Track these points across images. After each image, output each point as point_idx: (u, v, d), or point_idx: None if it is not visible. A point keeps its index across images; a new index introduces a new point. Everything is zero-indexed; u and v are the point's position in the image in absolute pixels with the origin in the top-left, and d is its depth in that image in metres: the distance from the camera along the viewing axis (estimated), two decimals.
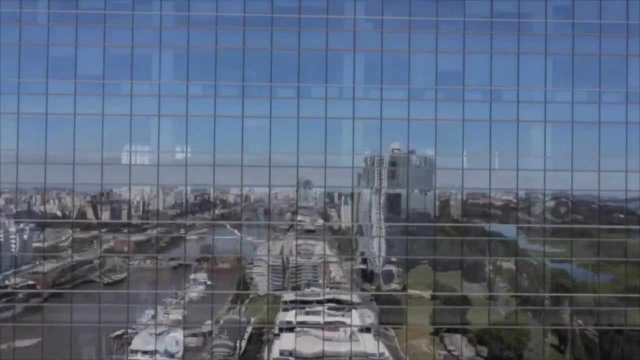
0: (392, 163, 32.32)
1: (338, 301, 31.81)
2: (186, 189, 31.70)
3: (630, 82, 30.93)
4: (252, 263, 32.98)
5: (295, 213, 31.85)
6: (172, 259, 32.64)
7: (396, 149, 32.12)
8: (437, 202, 31.74)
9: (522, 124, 31.14)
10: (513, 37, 30.79)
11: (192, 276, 32.71)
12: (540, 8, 30.96)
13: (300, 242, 31.48)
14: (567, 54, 30.80)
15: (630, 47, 30.78)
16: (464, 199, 31.94)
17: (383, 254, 32.11)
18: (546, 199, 31.74)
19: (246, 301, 32.48)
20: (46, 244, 31.41)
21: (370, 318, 31.89)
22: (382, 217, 32.27)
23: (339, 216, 33.40)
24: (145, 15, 30.83)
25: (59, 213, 32.28)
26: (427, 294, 31.62)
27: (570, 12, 30.97)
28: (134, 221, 32.00)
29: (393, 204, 32.50)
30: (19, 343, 30.74)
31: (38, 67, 30.66)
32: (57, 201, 32.67)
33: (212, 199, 32.41)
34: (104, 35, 30.56)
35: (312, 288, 32.10)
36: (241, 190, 31.80)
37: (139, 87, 30.91)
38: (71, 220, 31.50)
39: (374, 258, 32.30)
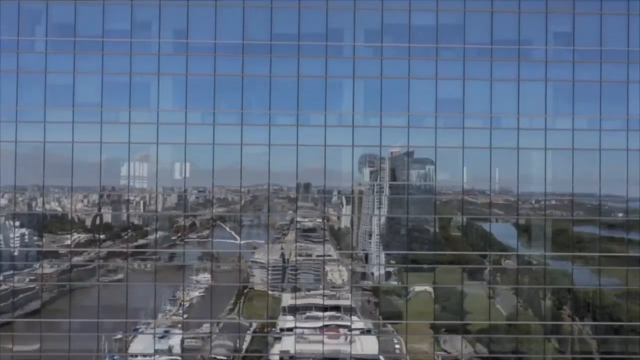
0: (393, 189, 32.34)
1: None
2: (185, 218, 31.64)
3: (631, 109, 30.78)
4: (251, 266, 33.01)
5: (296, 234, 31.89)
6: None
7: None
8: (437, 230, 31.71)
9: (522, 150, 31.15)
10: (513, 64, 30.64)
11: (194, 278, 32.67)
12: (541, 34, 30.83)
13: None
14: (567, 80, 30.64)
15: (631, 74, 30.67)
16: (464, 224, 31.88)
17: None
18: (547, 225, 31.63)
19: (245, 302, 32.47)
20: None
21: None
22: (381, 241, 32.29)
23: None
24: (144, 42, 30.78)
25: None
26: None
27: (571, 39, 30.86)
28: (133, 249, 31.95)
29: (392, 228, 32.46)
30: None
31: (36, 94, 30.64)
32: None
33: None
34: (102, 63, 30.49)
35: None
36: (240, 218, 31.71)
37: (137, 114, 30.88)
38: (70, 249, 31.46)
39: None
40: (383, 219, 32.39)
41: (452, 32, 30.89)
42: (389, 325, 31.96)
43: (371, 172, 32.59)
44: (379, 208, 32.11)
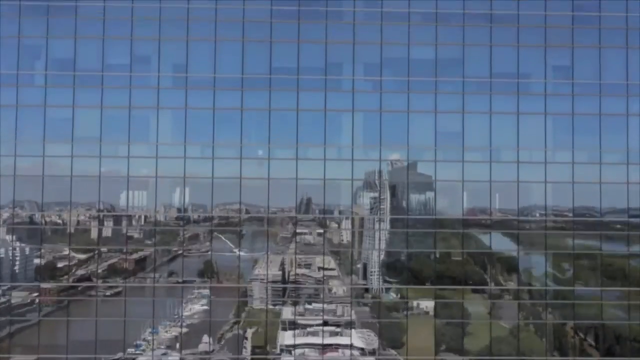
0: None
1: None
2: (183, 254, 31.48)
3: (631, 142, 30.71)
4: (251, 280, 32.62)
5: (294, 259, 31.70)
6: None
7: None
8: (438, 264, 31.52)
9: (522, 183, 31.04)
10: (512, 97, 30.68)
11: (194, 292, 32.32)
12: (540, 68, 30.88)
13: None
14: (566, 114, 30.64)
15: (631, 107, 30.68)
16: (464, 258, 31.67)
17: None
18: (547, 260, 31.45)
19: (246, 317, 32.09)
20: None
21: None
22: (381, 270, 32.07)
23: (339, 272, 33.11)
24: (143, 76, 30.84)
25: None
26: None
27: (570, 72, 30.90)
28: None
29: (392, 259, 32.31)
30: None
31: (35, 128, 30.64)
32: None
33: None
34: (102, 97, 30.50)
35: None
36: (239, 252, 31.54)
37: (136, 147, 30.85)
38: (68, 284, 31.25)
39: None
40: (382, 254, 32.20)
41: (451, 66, 30.93)
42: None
43: (371, 199, 32.34)
44: (379, 240, 31.92)
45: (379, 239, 32.05)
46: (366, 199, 31.98)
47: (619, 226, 31.34)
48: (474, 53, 30.82)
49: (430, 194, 31.45)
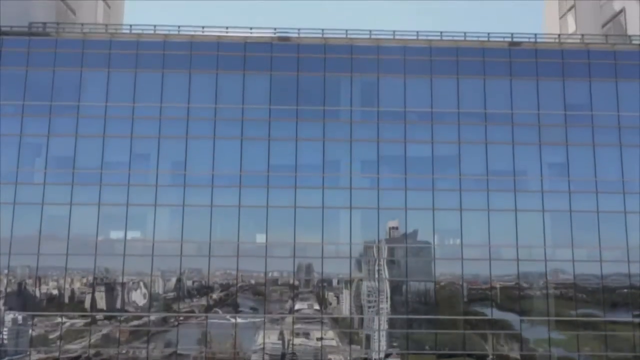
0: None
1: None
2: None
3: (630, 239, 30.55)
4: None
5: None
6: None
7: None
8: None
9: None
10: (509, 195, 30.79)
11: None
12: (536, 165, 31.17)
13: None
14: (564, 211, 30.67)
15: (628, 205, 30.72)
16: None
17: None
18: None
19: None
20: None
21: None
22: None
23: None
24: (142, 173, 31.04)
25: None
26: None
27: (566, 169, 31.18)
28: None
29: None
30: None
31: (32, 225, 30.47)
32: None
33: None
34: (99, 195, 30.59)
35: None
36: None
37: (133, 245, 30.63)
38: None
39: None
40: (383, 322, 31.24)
41: (448, 163, 31.24)
42: None
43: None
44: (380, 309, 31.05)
45: (379, 308, 31.09)
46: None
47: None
48: (470, 150, 31.18)
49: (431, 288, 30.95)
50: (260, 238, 30.99)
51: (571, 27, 43.84)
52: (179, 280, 30.80)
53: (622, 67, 31.69)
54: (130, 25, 33.40)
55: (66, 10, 38.33)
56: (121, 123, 31.08)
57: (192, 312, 30.90)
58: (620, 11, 37.39)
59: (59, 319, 29.87)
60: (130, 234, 30.56)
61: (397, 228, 31.39)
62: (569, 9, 44.28)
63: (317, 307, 30.60)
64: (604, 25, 39.32)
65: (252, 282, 30.99)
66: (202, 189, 30.67)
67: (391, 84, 31.71)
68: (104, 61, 31.59)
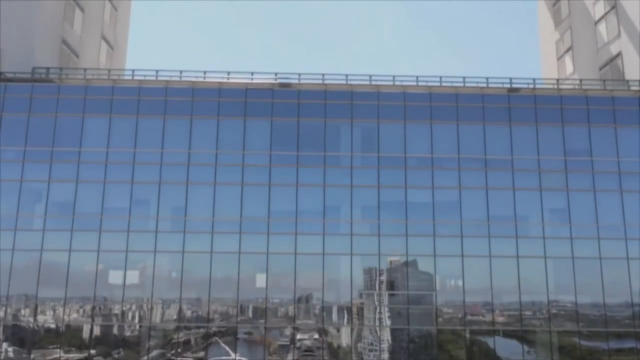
0: None
1: None
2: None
3: (634, 285, 30.31)
4: None
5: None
6: None
7: None
8: None
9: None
10: (511, 241, 30.66)
11: None
12: (537, 210, 31.12)
13: None
14: (566, 257, 30.48)
15: (630, 251, 30.55)
16: None
17: None
18: None
19: None
20: None
21: None
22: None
23: None
24: (142, 219, 30.95)
25: None
26: None
27: (567, 215, 31.10)
28: None
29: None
30: None
31: (30, 273, 30.27)
32: None
33: None
34: (99, 241, 30.46)
35: None
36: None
37: (131, 291, 30.37)
38: None
39: None
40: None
41: (449, 208, 31.14)
42: None
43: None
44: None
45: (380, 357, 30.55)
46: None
47: None
48: (471, 196, 31.16)
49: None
50: (260, 282, 30.80)
51: (569, 69, 44.30)
52: (177, 329, 30.48)
53: (620, 113, 31.94)
54: (133, 71, 33.82)
55: (69, 53, 38.80)
56: (122, 169, 31.16)
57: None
58: (617, 55, 37.85)
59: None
60: (129, 280, 30.32)
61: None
62: (567, 50, 44.81)
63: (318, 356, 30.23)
64: (601, 68, 39.74)
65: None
66: (202, 235, 30.64)
67: (391, 129, 31.90)
68: (106, 107, 31.85)
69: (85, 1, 40.96)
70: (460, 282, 30.43)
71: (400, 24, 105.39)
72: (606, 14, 39.40)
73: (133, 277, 30.71)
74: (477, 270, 30.53)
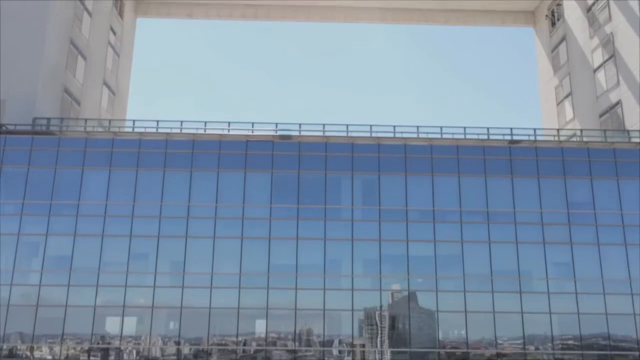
0: None
1: None
2: None
3: None
4: None
5: None
6: None
7: None
8: None
9: None
10: (515, 295, 30.15)
11: None
12: (540, 265, 30.66)
13: None
14: (572, 313, 29.91)
15: (637, 306, 30.01)
16: None
17: None
18: None
19: None
20: None
21: None
22: None
23: None
24: (140, 274, 30.51)
25: None
26: None
27: (571, 269, 30.66)
28: None
29: None
30: None
31: (26, 326, 29.76)
32: None
33: None
34: (96, 296, 29.98)
35: None
36: None
37: (129, 343, 29.80)
38: None
39: None
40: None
41: (451, 262, 30.75)
42: None
43: None
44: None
45: None
46: None
47: None
48: (473, 249, 30.75)
49: None
50: (260, 339, 30.21)
51: (569, 114, 44.42)
52: None
53: (622, 165, 31.80)
54: (134, 121, 33.90)
55: (71, 101, 38.95)
56: (120, 222, 30.85)
57: None
58: (617, 103, 37.95)
59: None
60: (126, 337, 29.77)
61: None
62: (566, 96, 45.00)
63: None
64: (601, 115, 39.83)
65: None
66: (200, 290, 30.16)
67: (392, 181, 31.72)
68: (106, 159, 31.76)
69: (88, 49, 41.33)
70: (463, 337, 29.81)
71: (398, 68, 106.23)
72: (605, 62, 39.66)
73: (130, 329, 30.19)
74: (481, 326, 29.91)
